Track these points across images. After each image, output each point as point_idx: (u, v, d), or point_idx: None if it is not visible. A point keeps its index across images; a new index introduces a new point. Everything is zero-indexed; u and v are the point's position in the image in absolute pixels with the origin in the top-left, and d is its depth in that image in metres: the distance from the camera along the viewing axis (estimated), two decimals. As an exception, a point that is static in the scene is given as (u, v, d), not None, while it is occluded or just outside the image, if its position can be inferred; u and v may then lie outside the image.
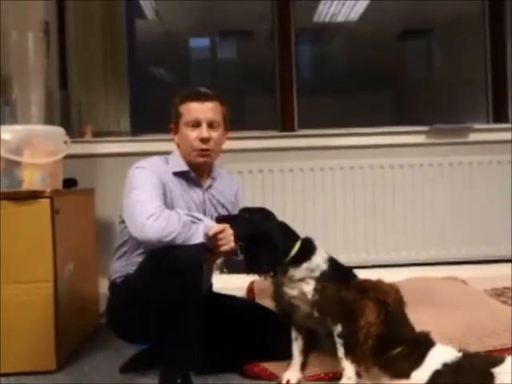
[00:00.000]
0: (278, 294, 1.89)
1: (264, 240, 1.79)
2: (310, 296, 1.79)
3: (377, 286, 1.31)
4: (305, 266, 1.81)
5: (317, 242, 1.88)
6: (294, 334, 1.89)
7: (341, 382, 1.72)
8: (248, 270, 1.85)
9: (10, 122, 2.37)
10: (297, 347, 1.88)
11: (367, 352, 1.22)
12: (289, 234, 1.87)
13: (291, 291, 1.83)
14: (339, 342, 1.73)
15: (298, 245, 1.84)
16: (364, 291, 1.29)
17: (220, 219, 1.87)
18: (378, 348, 1.22)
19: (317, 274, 1.81)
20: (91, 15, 3.06)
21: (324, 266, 1.82)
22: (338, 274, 1.84)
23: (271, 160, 3.05)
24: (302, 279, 1.81)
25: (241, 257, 1.86)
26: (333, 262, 1.87)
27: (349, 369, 1.71)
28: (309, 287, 1.80)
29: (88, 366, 2.10)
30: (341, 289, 1.33)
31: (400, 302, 1.31)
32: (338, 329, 1.71)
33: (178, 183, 1.95)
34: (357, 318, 1.25)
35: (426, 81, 5.12)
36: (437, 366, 1.20)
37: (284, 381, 1.82)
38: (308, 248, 1.85)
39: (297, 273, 1.81)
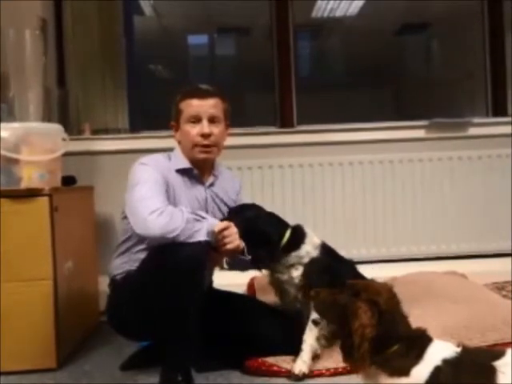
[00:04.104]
0: (274, 280, 2.01)
1: (259, 236, 1.90)
2: (297, 281, 1.92)
3: (368, 286, 1.30)
4: (294, 254, 1.93)
5: (308, 229, 1.99)
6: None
7: (295, 363, 1.82)
8: (252, 267, 1.96)
9: (8, 119, 2.36)
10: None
11: (365, 354, 1.21)
12: (279, 224, 1.99)
13: (282, 276, 1.95)
14: (309, 326, 1.85)
15: (288, 233, 1.95)
16: (356, 293, 1.28)
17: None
18: (374, 348, 1.22)
19: (306, 260, 1.93)
20: (89, 12, 3.05)
21: (314, 253, 1.94)
22: (333, 262, 1.96)
23: (270, 156, 3.04)
24: (292, 265, 1.93)
25: (249, 257, 1.84)
26: (326, 249, 1.98)
27: (306, 351, 1.83)
28: (297, 272, 1.93)
29: (88, 364, 2.10)
30: (335, 292, 1.33)
31: (393, 301, 1.29)
32: (314, 315, 1.80)
33: (181, 180, 1.94)
34: (351, 321, 1.24)
35: (425, 76, 5.10)
36: (437, 362, 1.19)
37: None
38: (298, 235, 1.96)
39: (287, 259, 1.93)
